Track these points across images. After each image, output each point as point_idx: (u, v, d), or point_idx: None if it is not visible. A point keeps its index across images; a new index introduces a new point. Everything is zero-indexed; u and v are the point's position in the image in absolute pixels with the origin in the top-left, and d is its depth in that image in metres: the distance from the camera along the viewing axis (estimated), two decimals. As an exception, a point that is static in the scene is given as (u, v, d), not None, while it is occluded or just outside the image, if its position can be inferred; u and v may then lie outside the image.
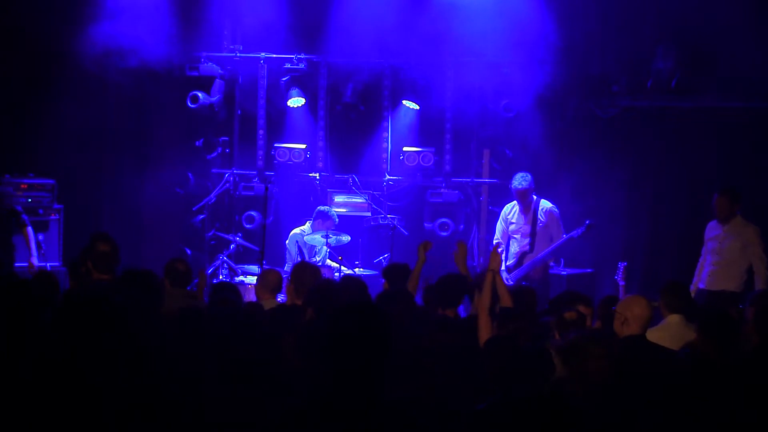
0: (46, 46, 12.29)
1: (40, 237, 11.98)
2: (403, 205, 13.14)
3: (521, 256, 11.35)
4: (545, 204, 11.39)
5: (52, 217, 12.32)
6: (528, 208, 11.37)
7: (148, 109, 13.40)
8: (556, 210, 11.40)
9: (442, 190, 13.08)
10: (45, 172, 12.42)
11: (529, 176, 11.27)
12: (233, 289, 8.15)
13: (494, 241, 11.51)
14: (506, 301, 7.66)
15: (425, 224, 13.05)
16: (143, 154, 13.31)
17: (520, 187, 11.28)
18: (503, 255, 11.23)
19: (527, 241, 11.33)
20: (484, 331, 6.89)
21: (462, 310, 8.48)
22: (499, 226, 11.62)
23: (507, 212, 11.56)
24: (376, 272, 11.97)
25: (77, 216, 12.53)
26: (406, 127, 13.21)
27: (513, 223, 11.46)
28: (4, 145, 12.56)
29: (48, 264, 11.70)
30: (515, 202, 11.47)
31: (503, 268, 11.05)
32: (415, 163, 12.93)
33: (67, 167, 12.72)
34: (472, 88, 12.51)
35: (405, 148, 13.01)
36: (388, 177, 13.15)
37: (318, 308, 7.06)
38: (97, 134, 13.09)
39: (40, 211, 12.20)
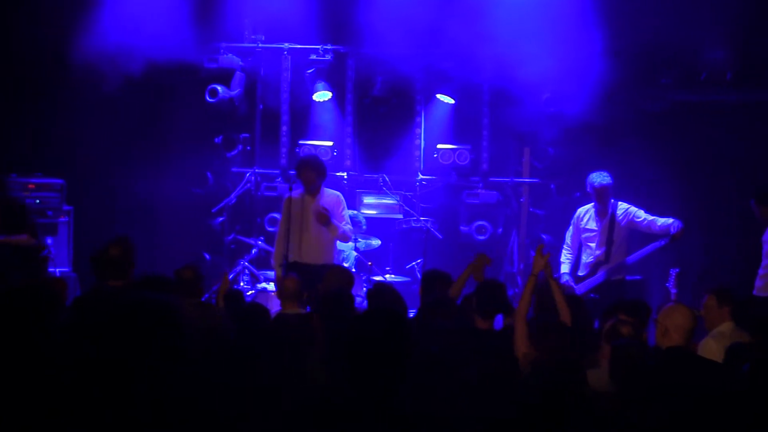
0: (57, 38, 12.05)
1: (49, 241, 11.77)
2: (437, 207, 12.97)
3: (594, 266, 10.89)
4: (623, 205, 10.93)
5: (62, 219, 12.10)
6: (605, 211, 10.87)
7: (163, 103, 13.17)
8: (634, 207, 10.90)
9: (479, 190, 12.89)
10: (54, 171, 12.19)
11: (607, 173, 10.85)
12: (238, 297, 8.39)
13: (563, 248, 11.12)
14: (564, 313, 7.47)
15: (461, 227, 12.88)
16: (158, 152, 13.09)
17: (604, 182, 10.72)
18: (571, 263, 10.95)
19: (603, 250, 10.86)
20: (520, 341, 6.83)
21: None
22: (570, 231, 11.19)
23: (580, 217, 11.11)
24: (409, 279, 12.19)
25: (88, 218, 12.31)
26: (440, 123, 13.05)
27: (587, 229, 11.01)
28: (10, 143, 12.42)
29: (58, 270, 11.56)
30: (590, 205, 11.02)
31: (566, 279, 10.78)
32: (450, 162, 12.78)
33: (78, 166, 12.51)
34: (511, 81, 12.15)
35: (439, 146, 12.89)
36: (420, 176, 13.00)
37: (323, 315, 7.13)
38: (109, 130, 12.86)
39: (49, 213, 11.99)
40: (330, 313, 7.14)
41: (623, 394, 5.86)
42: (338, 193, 10.51)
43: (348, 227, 10.29)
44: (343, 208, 10.32)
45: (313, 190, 10.26)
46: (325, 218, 9.94)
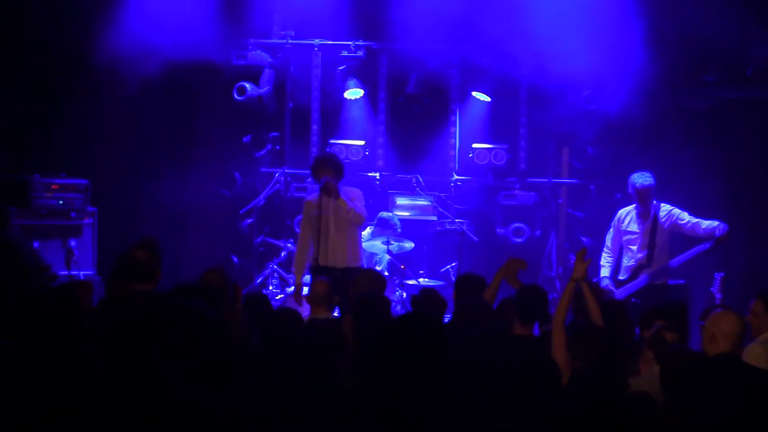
0: (83, 37, 11.97)
1: (73, 243, 11.66)
2: (472, 208, 12.82)
3: (636, 270, 10.68)
4: (666, 207, 10.71)
5: (86, 220, 11.87)
6: (647, 213, 10.65)
7: (190, 102, 13.19)
8: (678, 209, 10.67)
9: (516, 191, 12.75)
10: (78, 171, 11.97)
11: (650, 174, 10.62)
12: (264, 301, 8.16)
13: (603, 251, 10.90)
14: (596, 315, 7.49)
15: (497, 229, 12.70)
16: (185, 151, 13.12)
17: (646, 183, 10.49)
18: (611, 267, 10.74)
19: (644, 253, 10.63)
20: (558, 347, 6.80)
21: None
22: (610, 234, 10.98)
23: (621, 219, 10.90)
24: (443, 283, 11.96)
25: (113, 220, 12.11)
26: (475, 122, 12.86)
27: (628, 231, 10.78)
28: (33, 142, 12.22)
29: (81, 272, 11.40)
30: (632, 207, 10.82)
31: (606, 283, 10.60)
32: (485, 162, 12.59)
33: (102, 166, 12.32)
34: (549, 78, 11.99)
35: (475, 145, 12.67)
36: (455, 177, 12.83)
37: (356, 318, 7.10)
38: (135, 129, 12.76)
39: (73, 214, 11.74)
40: (363, 317, 7.07)
41: (673, 401, 5.79)
42: (357, 189, 10.26)
43: (362, 210, 10.00)
44: (361, 201, 10.02)
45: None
46: (333, 187, 9.65)
